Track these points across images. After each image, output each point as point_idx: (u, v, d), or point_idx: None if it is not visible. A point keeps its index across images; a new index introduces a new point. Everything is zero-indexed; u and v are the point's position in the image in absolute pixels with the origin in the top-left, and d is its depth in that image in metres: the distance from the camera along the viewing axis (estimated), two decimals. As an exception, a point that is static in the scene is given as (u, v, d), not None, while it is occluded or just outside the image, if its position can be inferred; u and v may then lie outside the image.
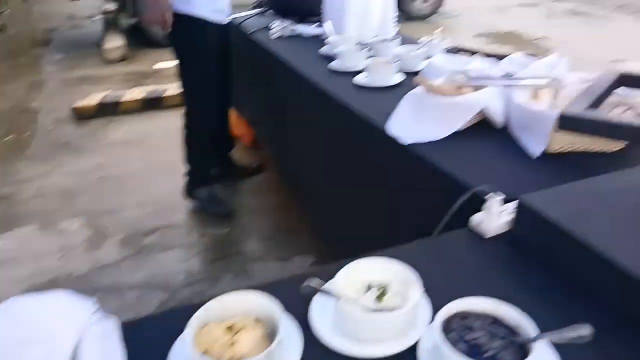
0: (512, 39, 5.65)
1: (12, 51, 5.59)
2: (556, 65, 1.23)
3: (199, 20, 1.99)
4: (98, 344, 0.53)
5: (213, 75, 2.12)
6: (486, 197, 0.79)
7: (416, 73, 1.56)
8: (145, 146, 3.11)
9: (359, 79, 1.53)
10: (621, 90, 0.82)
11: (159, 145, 3.10)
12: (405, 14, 6.46)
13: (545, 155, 1.00)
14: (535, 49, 5.19)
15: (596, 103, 0.68)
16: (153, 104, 3.60)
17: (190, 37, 2.00)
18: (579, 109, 0.63)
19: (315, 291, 0.63)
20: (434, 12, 6.62)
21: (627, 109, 0.96)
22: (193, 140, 2.25)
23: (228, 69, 2.29)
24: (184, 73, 2.13)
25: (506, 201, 0.81)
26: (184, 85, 2.17)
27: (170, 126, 3.35)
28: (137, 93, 3.66)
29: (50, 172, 2.78)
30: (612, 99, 0.83)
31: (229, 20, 2.22)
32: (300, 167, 1.95)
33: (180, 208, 2.41)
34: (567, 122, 0.65)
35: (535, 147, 1.02)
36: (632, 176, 0.80)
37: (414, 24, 6.30)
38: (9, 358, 0.50)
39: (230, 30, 2.26)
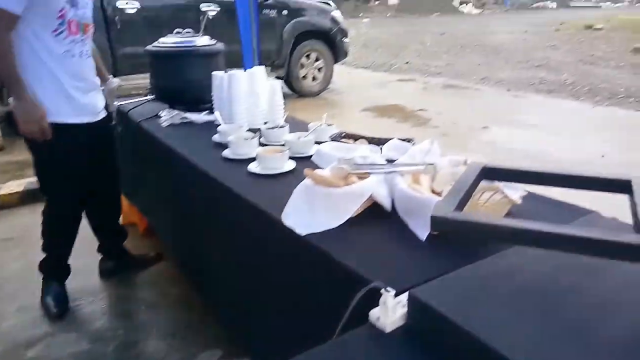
0: (395, 111, 6.17)
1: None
2: (430, 150, 1.36)
3: (59, 125, 1.94)
4: None
5: (73, 170, 2.06)
6: (381, 291, 0.82)
7: (308, 157, 1.63)
8: (25, 244, 2.82)
9: (251, 167, 1.56)
10: (484, 183, 0.93)
11: (40, 242, 2.83)
12: (297, 92, 6.83)
13: (433, 237, 1.07)
14: (417, 119, 5.72)
15: (464, 200, 0.76)
16: (35, 196, 3.32)
17: (47, 141, 1.93)
18: (448, 211, 0.70)
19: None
20: (323, 89, 7.07)
21: (494, 193, 1.09)
22: (46, 229, 2.17)
23: (106, 161, 2.27)
24: (40, 171, 2.08)
25: (400, 292, 0.84)
26: (40, 180, 2.11)
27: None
28: (15, 185, 3.36)
29: None
30: (480, 185, 0.94)
31: (106, 114, 2.23)
32: (198, 258, 1.89)
33: (69, 311, 2.19)
34: (438, 224, 0.71)
35: (421, 231, 1.09)
36: (511, 258, 0.88)
37: (305, 100, 6.66)
38: None
39: (109, 124, 2.26)
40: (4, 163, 4.19)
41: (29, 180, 3.46)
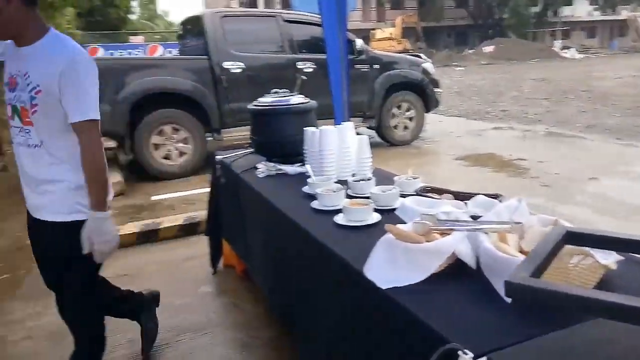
0: (490, 160, 6.00)
1: (11, 190, 5.81)
2: (517, 208, 1.35)
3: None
4: None
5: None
6: (458, 352, 0.84)
7: (392, 210, 1.69)
8: (138, 281, 3.13)
9: (337, 218, 1.65)
10: (567, 249, 0.91)
11: (152, 280, 3.13)
12: (388, 141, 6.94)
13: (518, 299, 1.04)
14: (514, 168, 5.50)
15: (543, 266, 0.76)
16: (149, 236, 3.70)
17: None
18: (524, 276, 0.71)
19: None
20: (414, 138, 7.11)
21: (584, 257, 1.06)
22: None
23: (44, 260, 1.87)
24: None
25: (478, 355, 0.85)
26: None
27: (164, 260, 3.43)
28: (132, 227, 3.78)
29: (42, 312, 2.77)
30: (566, 249, 0.92)
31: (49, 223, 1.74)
32: (287, 302, 1.98)
33: (172, 346, 2.37)
34: (512, 291, 0.73)
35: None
36: (598, 329, 0.85)
37: (397, 150, 6.72)
38: None
39: (47, 237, 1.77)
40: (123, 206, 4.72)
41: (144, 223, 3.87)
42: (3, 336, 2.55)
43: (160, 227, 3.77)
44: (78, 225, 1.67)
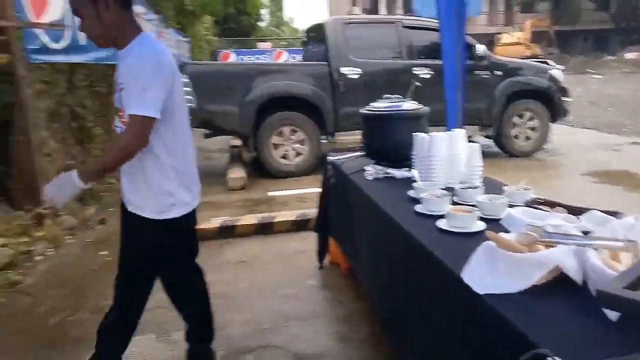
0: (624, 178, 5.44)
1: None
2: (634, 226, 1.28)
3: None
4: None
5: None
6: (547, 359, 0.85)
7: (498, 220, 1.67)
8: (253, 268, 3.42)
9: (440, 223, 1.68)
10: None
11: (265, 268, 3.40)
12: (506, 152, 6.60)
13: (624, 319, 0.99)
14: (652, 189, 4.94)
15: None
16: (264, 228, 4.01)
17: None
18: (618, 287, 0.72)
19: None
20: (536, 149, 6.68)
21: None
22: None
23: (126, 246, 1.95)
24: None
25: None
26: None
27: (277, 251, 3.68)
28: (251, 218, 4.12)
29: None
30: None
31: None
32: (390, 303, 2.05)
33: (280, 330, 2.57)
34: (604, 300, 0.73)
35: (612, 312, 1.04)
36: None
37: (516, 161, 6.37)
38: None
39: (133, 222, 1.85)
40: (244, 199, 5.14)
41: (262, 215, 4.19)
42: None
43: (275, 220, 4.05)
44: (168, 222, 1.77)
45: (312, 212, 3.96)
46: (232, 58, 18.92)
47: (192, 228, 1.99)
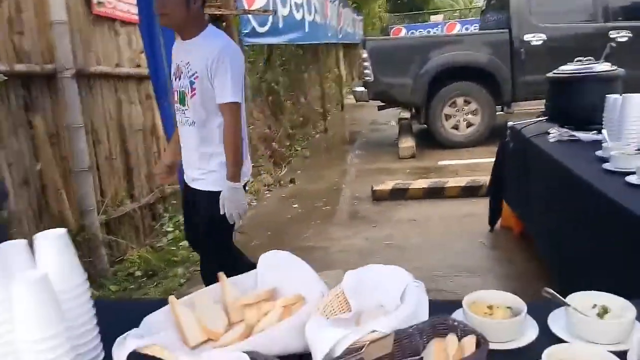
0: None
1: (330, 147, 7.26)
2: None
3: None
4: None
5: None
6: None
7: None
8: (424, 226, 3.67)
9: (630, 179, 1.70)
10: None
11: (436, 227, 3.62)
12: None
13: None
14: None
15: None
16: (435, 192, 4.20)
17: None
18: None
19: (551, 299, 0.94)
20: None
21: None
22: None
23: (193, 225, 2.16)
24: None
25: None
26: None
27: (447, 213, 3.86)
28: (422, 183, 4.35)
29: (351, 236, 3.59)
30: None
31: (202, 191, 2.01)
32: (572, 260, 2.10)
33: (451, 279, 2.79)
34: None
35: None
36: None
37: None
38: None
39: (202, 202, 2.02)
40: (413, 167, 5.38)
41: (433, 180, 4.39)
42: (326, 247, 3.45)
43: (446, 186, 4.21)
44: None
45: (483, 179, 4.03)
46: (403, 33, 18.97)
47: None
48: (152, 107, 3.65)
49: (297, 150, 6.62)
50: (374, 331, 0.82)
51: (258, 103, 5.61)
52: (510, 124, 3.09)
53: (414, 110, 6.54)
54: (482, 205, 3.54)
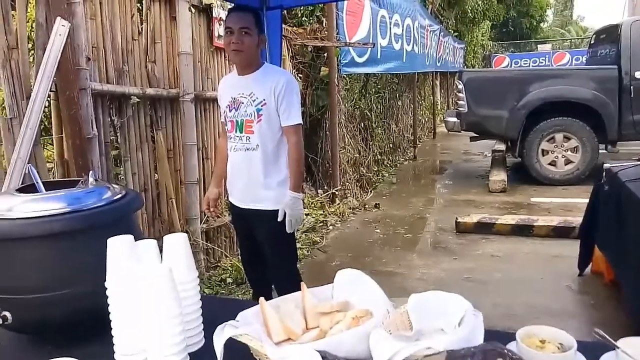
0: None
1: (418, 174, 7.29)
2: None
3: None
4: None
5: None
6: None
7: None
8: (508, 263, 3.61)
9: None
10: None
11: (520, 265, 3.54)
12: None
13: None
14: None
15: None
16: (523, 230, 4.10)
17: None
18: None
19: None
20: None
21: None
22: None
23: (256, 246, 2.27)
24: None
25: None
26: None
27: (534, 252, 3.76)
28: (510, 218, 4.26)
29: (431, 265, 3.64)
30: None
31: (265, 211, 2.14)
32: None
33: (529, 320, 2.74)
34: None
35: None
36: None
37: None
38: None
39: (266, 221, 2.15)
40: (503, 202, 5.26)
41: (521, 217, 4.28)
42: (404, 274, 3.52)
43: (535, 224, 4.09)
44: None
45: (576, 220, 3.87)
46: (506, 62, 18.39)
47: None
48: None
49: (384, 176, 6.75)
50: (429, 348, 0.94)
51: (350, 129, 5.85)
52: (606, 165, 2.99)
53: (509, 143, 6.40)
54: (572, 248, 3.41)
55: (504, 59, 18.84)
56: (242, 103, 2.09)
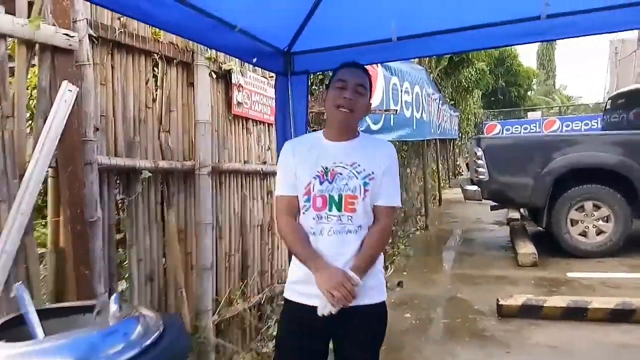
0: None
1: (433, 245, 6.85)
2: None
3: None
4: None
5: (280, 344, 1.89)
6: None
7: None
8: (569, 356, 3.11)
9: None
10: None
11: (584, 358, 3.04)
12: None
13: None
14: None
15: None
16: (575, 313, 3.63)
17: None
18: None
19: None
20: None
21: None
22: None
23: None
24: None
25: None
26: None
27: (594, 341, 3.27)
28: (559, 300, 3.79)
29: (459, 353, 3.12)
30: None
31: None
32: None
33: None
34: None
35: None
36: None
37: None
38: None
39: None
40: (538, 278, 4.81)
41: (572, 299, 3.81)
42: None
43: (590, 307, 3.63)
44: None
45: (636, 301, 3.43)
46: (498, 129, 18.65)
47: None
48: (272, 203, 3.61)
49: (399, 247, 6.30)
50: None
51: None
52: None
53: (525, 212, 6.06)
54: (636, 334, 2.96)
55: (495, 126, 19.13)
56: (341, 174, 1.68)
